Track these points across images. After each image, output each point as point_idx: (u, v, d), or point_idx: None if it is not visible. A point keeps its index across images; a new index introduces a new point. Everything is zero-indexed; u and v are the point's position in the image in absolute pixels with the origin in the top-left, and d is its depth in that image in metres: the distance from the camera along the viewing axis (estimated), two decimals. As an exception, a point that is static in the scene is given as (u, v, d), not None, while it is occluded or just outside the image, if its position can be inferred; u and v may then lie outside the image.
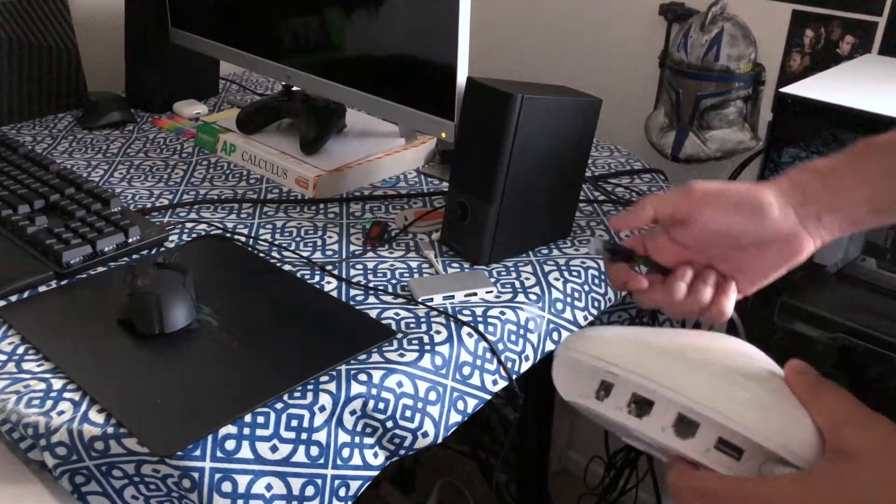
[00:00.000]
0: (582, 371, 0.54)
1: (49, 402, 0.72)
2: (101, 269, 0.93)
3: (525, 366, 0.88)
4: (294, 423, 0.71)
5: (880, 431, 0.48)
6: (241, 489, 0.68)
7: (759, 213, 0.61)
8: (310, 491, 0.72)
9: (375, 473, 0.77)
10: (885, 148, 0.61)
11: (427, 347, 0.80)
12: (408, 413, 0.77)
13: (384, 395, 0.75)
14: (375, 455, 0.77)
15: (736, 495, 0.49)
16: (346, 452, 0.74)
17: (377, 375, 0.75)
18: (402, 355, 0.78)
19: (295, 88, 1.27)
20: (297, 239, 1.01)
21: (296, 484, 0.71)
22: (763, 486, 0.49)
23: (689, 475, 0.51)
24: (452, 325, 0.83)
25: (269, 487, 0.69)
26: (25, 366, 0.76)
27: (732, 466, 0.48)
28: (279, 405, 0.71)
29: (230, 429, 0.69)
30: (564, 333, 0.92)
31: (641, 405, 0.51)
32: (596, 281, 0.96)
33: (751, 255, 0.63)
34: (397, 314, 0.85)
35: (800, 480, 0.48)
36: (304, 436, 0.71)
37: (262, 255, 0.97)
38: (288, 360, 0.77)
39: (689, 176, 1.50)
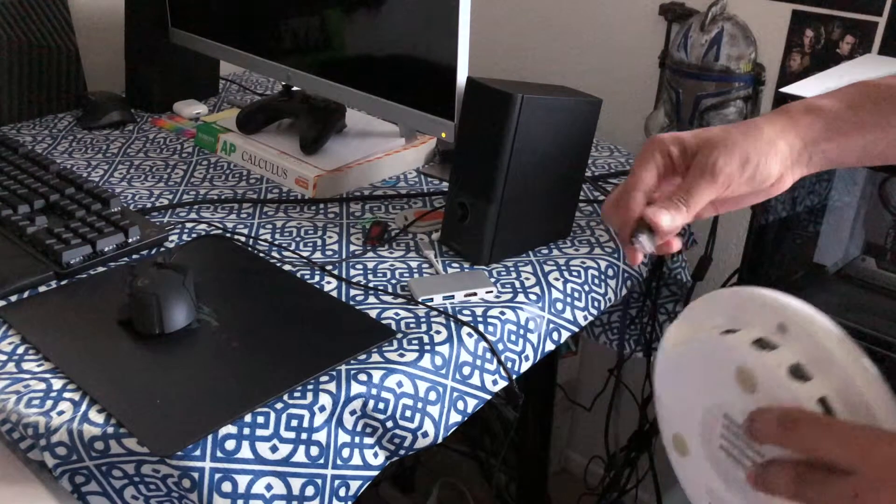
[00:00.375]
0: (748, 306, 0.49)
1: (49, 402, 0.72)
2: (101, 269, 0.93)
3: (525, 366, 0.88)
4: (294, 423, 0.71)
5: None
6: (241, 489, 0.68)
7: (769, 189, 0.63)
8: (310, 491, 0.72)
9: (375, 473, 0.77)
10: (877, 97, 0.63)
11: (427, 347, 0.80)
12: (408, 413, 0.77)
13: (384, 395, 0.75)
14: (375, 455, 0.77)
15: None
16: (346, 452, 0.74)
17: (377, 375, 0.76)
18: (402, 355, 0.78)
19: (295, 88, 1.27)
20: (297, 239, 1.01)
21: (296, 484, 0.71)
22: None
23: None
24: (452, 325, 0.83)
25: (269, 487, 0.69)
26: (25, 366, 0.76)
27: None
28: (279, 405, 0.71)
29: (230, 429, 0.69)
30: (564, 333, 0.92)
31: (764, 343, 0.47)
32: (596, 281, 0.96)
33: (734, 201, 0.66)
34: (397, 314, 0.85)
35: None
36: (304, 436, 0.71)
37: (262, 255, 0.97)
38: (288, 360, 0.77)
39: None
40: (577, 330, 0.94)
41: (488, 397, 0.84)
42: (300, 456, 0.71)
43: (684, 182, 0.62)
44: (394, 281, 0.92)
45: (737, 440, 0.48)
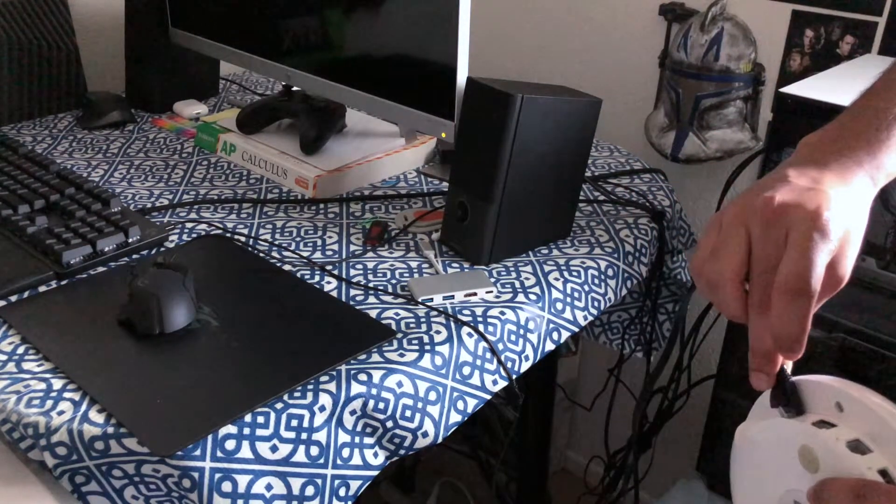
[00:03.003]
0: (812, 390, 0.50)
1: (49, 402, 0.72)
2: (101, 269, 0.93)
3: (525, 366, 0.88)
4: (294, 423, 0.71)
5: None
6: (241, 489, 0.68)
7: None
8: (310, 491, 0.72)
9: (375, 473, 0.77)
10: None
11: (427, 347, 0.80)
12: (408, 413, 0.77)
13: (384, 395, 0.75)
14: (375, 455, 0.77)
15: None
16: (346, 452, 0.74)
17: (377, 375, 0.76)
18: (402, 355, 0.78)
19: (295, 88, 1.27)
20: (297, 239, 1.01)
21: (296, 484, 0.71)
22: None
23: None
24: (452, 325, 0.83)
25: (269, 487, 0.69)
26: (25, 366, 0.76)
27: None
28: (279, 405, 0.71)
29: (230, 429, 0.69)
30: (564, 333, 0.92)
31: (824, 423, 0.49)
32: (596, 281, 0.96)
33: None
34: (397, 314, 0.85)
35: None
36: (304, 436, 0.71)
37: (262, 255, 0.97)
38: (288, 360, 0.77)
39: (689, 175, 1.50)
40: (577, 330, 0.94)
41: (488, 397, 0.84)
42: (300, 456, 0.71)
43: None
44: (394, 281, 0.92)
45: None
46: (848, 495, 0.44)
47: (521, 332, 0.87)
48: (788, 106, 1.01)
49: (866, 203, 0.56)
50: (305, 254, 0.97)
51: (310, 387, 0.73)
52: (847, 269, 0.51)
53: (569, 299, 0.92)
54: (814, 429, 0.48)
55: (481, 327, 0.84)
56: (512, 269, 0.95)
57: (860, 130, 0.58)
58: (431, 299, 0.87)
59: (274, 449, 0.70)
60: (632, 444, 1.37)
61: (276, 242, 0.99)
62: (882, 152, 0.57)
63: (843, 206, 0.52)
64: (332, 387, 0.74)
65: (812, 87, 1.03)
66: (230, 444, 0.68)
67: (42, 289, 0.88)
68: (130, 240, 0.96)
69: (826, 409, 0.49)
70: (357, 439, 0.75)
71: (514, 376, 0.86)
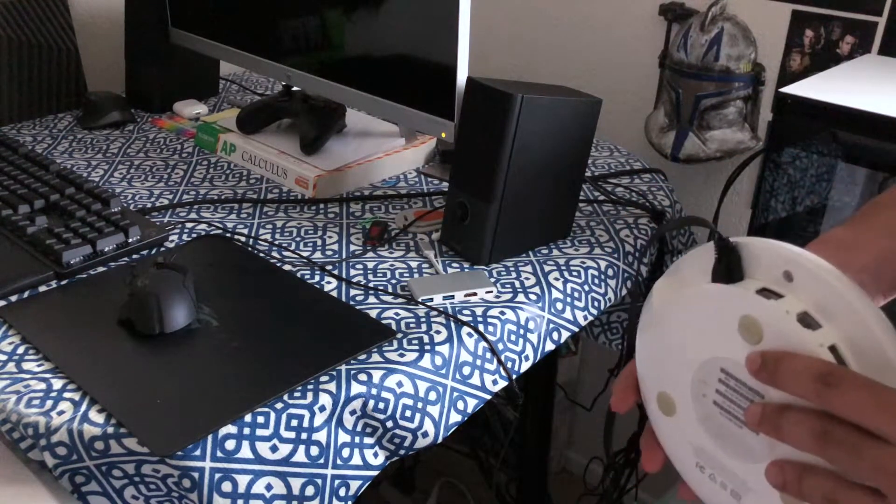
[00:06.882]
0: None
1: (49, 402, 0.72)
2: (101, 269, 0.93)
3: (525, 366, 0.88)
4: (294, 423, 0.71)
5: None
6: (241, 489, 0.68)
7: None
8: (310, 491, 0.72)
9: (375, 473, 0.77)
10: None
11: (427, 347, 0.80)
12: (408, 413, 0.77)
13: (384, 395, 0.75)
14: (375, 455, 0.77)
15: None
16: (346, 452, 0.74)
17: (377, 375, 0.76)
18: (402, 355, 0.78)
19: (295, 88, 1.27)
20: (297, 239, 1.01)
21: (296, 484, 0.71)
22: None
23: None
24: (452, 325, 0.83)
25: (269, 487, 0.69)
26: (25, 366, 0.76)
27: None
28: (279, 405, 0.71)
29: (230, 429, 0.69)
30: (564, 333, 0.92)
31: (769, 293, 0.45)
32: (596, 281, 0.96)
33: None
34: (397, 314, 0.85)
35: None
36: (304, 436, 0.71)
37: (262, 255, 0.97)
38: (288, 360, 0.77)
39: (689, 175, 1.50)
40: (577, 330, 0.94)
41: (488, 397, 0.84)
42: (300, 456, 0.71)
43: None
44: (394, 281, 0.92)
45: (735, 394, 0.46)
46: (810, 378, 0.40)
47: (521, 332, 0.87)
48: (788, 106, 1.01)
49: None
50: (305, 254, 0.97)
51: (310, 387, 0.73)
52: None
53: (569, 299, 0.92)
54: (758, 298, 0.44)
55: (481, 327, 0.84)
56: (512, 269, 0.95)
57: None
58: (431, 299, 0.87)
59: (274, 449, 0.70)
60: (632, 444, 1.37)
61: (276, 242, 0.99)
62: None
63: None
64: (332, 387, 0.74)
65: (812, 87, 1.03)
66: (230, 444, 0.68)
67: (42, 289, 0.88)
68: (130, 240, 0.96)
69: (773, 277, 0.45)
70: (357, 439, 0.75)
71: (514, 376, 0.86)
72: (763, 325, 0.44)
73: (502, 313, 0.86)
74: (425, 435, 0.79)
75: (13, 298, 0.86)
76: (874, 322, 0.42)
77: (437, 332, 0.82)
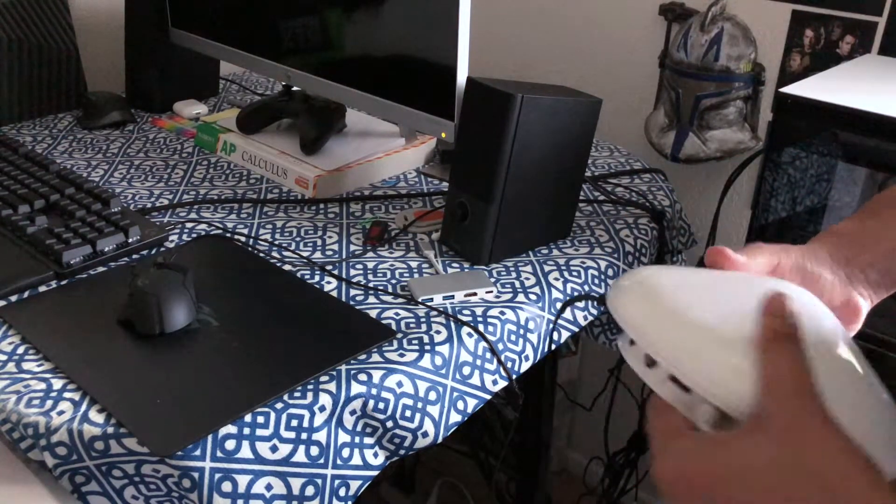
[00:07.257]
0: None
1: (49, 402, 0.72)
2: (101, 269, 0.93)
3: (525, 366, 0.88)
4: (294, 423, 0.71)
5: (794, 409, 0.43)
6: (241, 489, 0.68)
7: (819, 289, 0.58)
8: (310, 491, 0.72)
9: (375, 473, 0.77)
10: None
11: (427, 347, 0.80)
12: (408, 413, 0.77)
13: (384, 395, 0.75)
14: (375, 455, 0.77)
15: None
16: (346, 452, 0.74)
17: (377, 375, 0.76)
18: (402, 355, 0.78)
19: (295, 88, 1.27)
20: (297, 239, 1.01)
21: (296, 484, 0.71)
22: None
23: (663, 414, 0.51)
24: (452, 325, 0.83)
25: (269, 487, 0.69)
26: (25, 366, 0.76)
27: (684, 398, 0.50)
28: (279, 405, 0.71)
29: (230, 429, 0.69)
30: (564, 333, 0.92)
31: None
32: (596, 281, 0.96)
33: None
34: (397, 314, 0.85)
35: (703, 444, 0.46)
36: (304, 436, 0.71)
37: (262, 255, 0.97)
38: (288, 360, 0.77)
39: (689, 175, 1.50)
40: (577, 330, 0.94)
41: (488, 397, 0.84)
42: (300, 456, 0.71)
43: None
44: (394, 281, 0.92)
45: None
46: (661, 438, 0.49)
47: (521, 332, 0.87)
48: (788, 106, 1.01)
49: None
50: (305, 254, 0.97)
51: (310, 387, 0.73)
52: None
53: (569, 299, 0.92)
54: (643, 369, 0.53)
55: (481, 327, 0.84)
56: (512, 269, 0.95)
57: None
58: (431, 299, 0.87)
59: (274, 449, 0.70)
60: (632, 444, 1.37)
61: (276, 242, 0.99)
62: None
63: None
64: (332, 387, 0.74)
65: (812, 87, 1.03)
66: (230, 444, 0.68)
67: (42, 289, 0.88)
68: (130, 240, 0.96)
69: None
70: (357, 439, 0.75)
71: (514, 376, 0.86)
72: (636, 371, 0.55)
73: (502, 313, 0.86)
74: (425, 435, 0.79)
75: (13, 298, 0.86)
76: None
77: (437, 332, 0.82)
